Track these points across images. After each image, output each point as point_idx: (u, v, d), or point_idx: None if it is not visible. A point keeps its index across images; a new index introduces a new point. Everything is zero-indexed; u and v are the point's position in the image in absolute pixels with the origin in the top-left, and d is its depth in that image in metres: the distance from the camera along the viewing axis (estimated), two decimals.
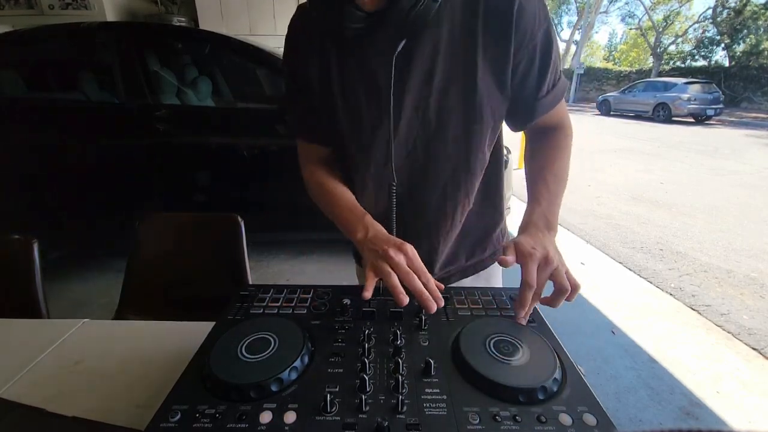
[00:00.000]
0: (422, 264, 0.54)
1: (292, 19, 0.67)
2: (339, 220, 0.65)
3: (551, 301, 0.54)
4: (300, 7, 0.65)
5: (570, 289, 0.53)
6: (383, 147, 0.65)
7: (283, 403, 0.40)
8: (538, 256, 0.53)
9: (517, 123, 0.68)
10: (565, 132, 0.70)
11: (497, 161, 0.73)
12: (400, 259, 0.53)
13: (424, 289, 0.51)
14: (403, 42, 0.57)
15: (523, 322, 0.53)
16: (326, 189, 0.68)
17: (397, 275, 0.52)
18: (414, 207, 0.69)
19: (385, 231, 0.60)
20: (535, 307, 0.57)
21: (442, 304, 0.52)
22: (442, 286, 0.55)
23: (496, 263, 0.80)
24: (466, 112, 0.62)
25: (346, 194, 0.67)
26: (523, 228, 0.61)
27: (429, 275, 0.53)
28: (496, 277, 0.84)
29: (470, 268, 0.80)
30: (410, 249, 0.54)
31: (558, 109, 0.67)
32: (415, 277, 0.52)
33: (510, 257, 0.55)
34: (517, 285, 0.55)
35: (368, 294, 0.52)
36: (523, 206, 0.66)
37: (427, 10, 0.53)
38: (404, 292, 0.50)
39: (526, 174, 0.71)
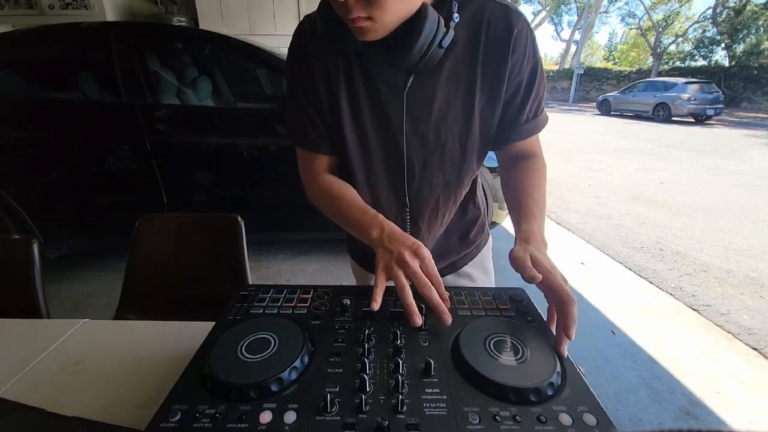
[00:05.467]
0: (436, 270, 0.53)
1: (298, 29, 0.66)
2: (351, 222, 0.64)
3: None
4: (307, 18, 0.65)
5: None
6: (387, 167, 0.68)
7: (283, 403, 0.40)
8: (560, 274, 0.51)
9: (493, 142, 0.71)
10: (542, 161, 0.72)
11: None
12: (416, 265, 0.52)
13: (441, 302, 0.51)
14: (412, 78, 0.60)
15: (565, 351, 0.47)
16: (334, 194, 0.68)
17: (414, 282, 0.52)
18: (417, 215, 0.73)
19: (399, 230, 0.59)
20: (535, 306, 0.58)
21: (448, 305, 0.52)
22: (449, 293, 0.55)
23: (483, 250, 0.86)
24: (462, 135, 0.65)
25: (354, 196, 0.68)
26: (526, 239, 0.58)
27: (441, 281, 0.53)
28: (487, 258, 0.89)
29: (459, 261, 0.84)
30: (426, 253, 0.54)
31: (534, 140, 0.71)
32: (433, 288, 0.51)
33: (538, 274, 0.50)
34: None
35: (377, 305, 0.51)
36: None
37: (435, 56, 0.56)
38: (419, 313, 0.50)
39: (509, 192, 0.71)
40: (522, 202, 0.65)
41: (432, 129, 0.64)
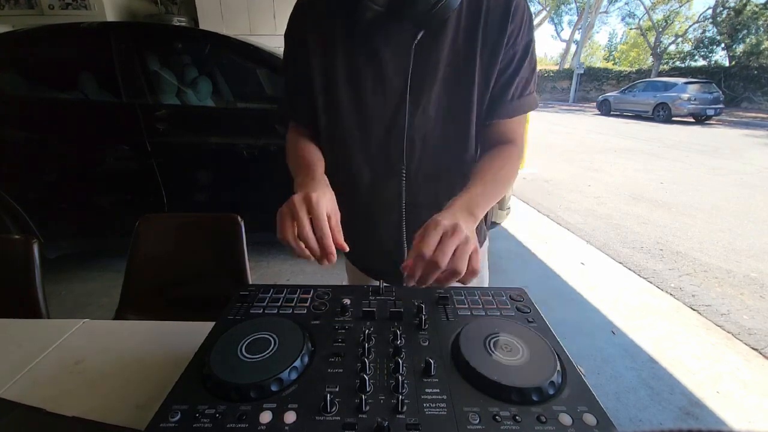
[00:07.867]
0: (322, 215, 0.52)
1: (297, 4, 0.67)
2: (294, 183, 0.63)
3: (442, 280, 0.51)
4: None
5: (463, 273, 0.49)
6: (387, 135, 0.67)
7: (283, 403, 0.40)
8: (444, 225, 0.50)
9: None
10: (517, 149, 0.70)
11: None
12: (302, 211, 0.52)
13: (304, 248, 0.52)
14: (422, 33, 0.59)
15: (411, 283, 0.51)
16: (297, 151, 0.69)
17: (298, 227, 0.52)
18: (418, 194, 0.71)
19: (316, 184, 0.58)
20: (535, 306, 0.57)
21: (334, 260, 0.53)
22: (344, 246, 0.55)
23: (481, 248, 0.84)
24: (463, 105, 0.65)
25: (313, 159, 0.67)
26: (449, 206, 0.56)
27: (326, 229, 0.52)
28: (483, 261, 0.87)
29: None
30: (315, 198, 0.53)
31: (516, 123, 0.69)
32: (309, 231, 0.52)
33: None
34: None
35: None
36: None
37: (451, 4, 0.56)
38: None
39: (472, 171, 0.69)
40: (470, 182, 0.63)
41: (434, 100, 0.64)
